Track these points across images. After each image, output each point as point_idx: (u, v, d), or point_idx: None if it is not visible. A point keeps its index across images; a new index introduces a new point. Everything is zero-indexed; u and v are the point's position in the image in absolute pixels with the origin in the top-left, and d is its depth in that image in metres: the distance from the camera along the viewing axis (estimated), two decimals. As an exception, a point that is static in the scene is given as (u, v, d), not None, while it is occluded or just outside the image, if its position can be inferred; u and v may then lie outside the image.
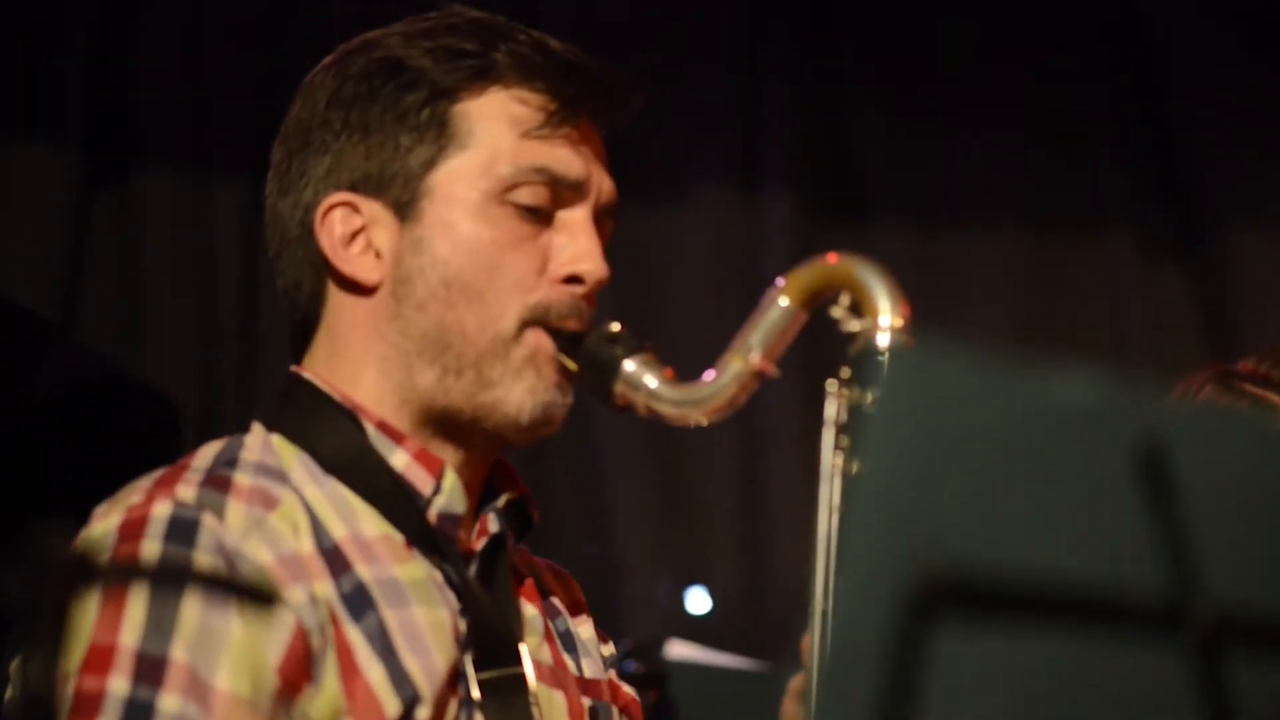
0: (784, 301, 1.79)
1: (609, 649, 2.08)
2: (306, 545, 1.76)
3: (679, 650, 3.26)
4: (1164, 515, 1.08)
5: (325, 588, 1.75)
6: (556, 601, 2.03)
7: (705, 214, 4.78)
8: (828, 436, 1.61)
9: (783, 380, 1.80)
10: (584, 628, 2.04)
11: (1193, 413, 1.09)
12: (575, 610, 2.05)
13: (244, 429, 1.89)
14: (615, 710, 2.01)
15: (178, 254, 4.39)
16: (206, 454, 1.84)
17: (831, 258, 1.78)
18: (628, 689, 2.09)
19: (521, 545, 1.99)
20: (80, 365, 3.82)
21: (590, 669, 2.00)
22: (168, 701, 1.63)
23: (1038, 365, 1.08)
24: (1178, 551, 1.08)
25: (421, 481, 1.85)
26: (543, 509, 1.99)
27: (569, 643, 2.00)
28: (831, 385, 1.67)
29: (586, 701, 1.95)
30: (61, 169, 4.31)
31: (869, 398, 1.04)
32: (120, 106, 4.39)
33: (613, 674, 2.06)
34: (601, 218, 1.94)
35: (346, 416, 1.85)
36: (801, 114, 4.80)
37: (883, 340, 1.68)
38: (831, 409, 1.63)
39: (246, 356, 4.44)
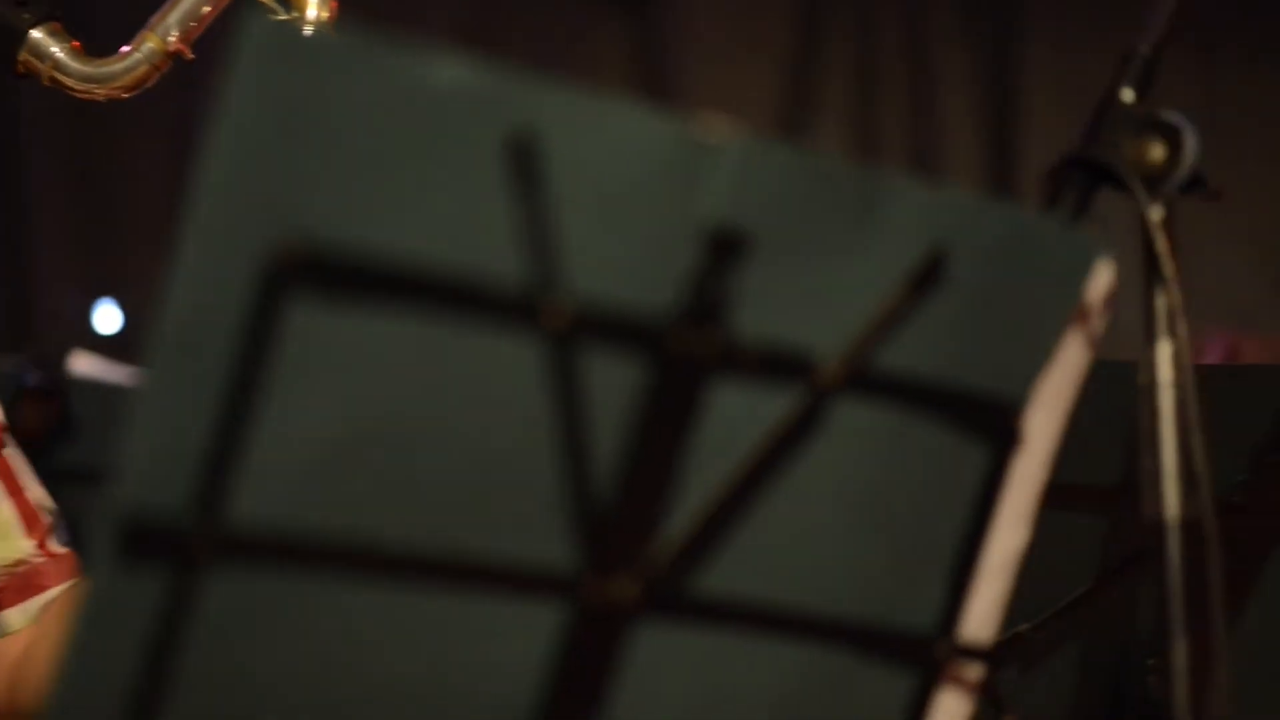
0: None
1: None
2: None
3: (81, 364, 3.17)
4: (529, 204, 1.07)
5: None
6: None
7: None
8: None
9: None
10: None
11: (573, 100, 1.08)
12: None
13: None
14: None
15: None
16: None
17: None
18: None
19: None
20: None
21: None
22: None
23: (414, 45, 1.05)
24: (541, 243, 1.08)
25: None
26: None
27: None
28: None
29: None
30: None
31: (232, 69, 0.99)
32: None
33: None
34: None
35: None
36: None
37: (307, 32, 1.70)
38: None
39: None
